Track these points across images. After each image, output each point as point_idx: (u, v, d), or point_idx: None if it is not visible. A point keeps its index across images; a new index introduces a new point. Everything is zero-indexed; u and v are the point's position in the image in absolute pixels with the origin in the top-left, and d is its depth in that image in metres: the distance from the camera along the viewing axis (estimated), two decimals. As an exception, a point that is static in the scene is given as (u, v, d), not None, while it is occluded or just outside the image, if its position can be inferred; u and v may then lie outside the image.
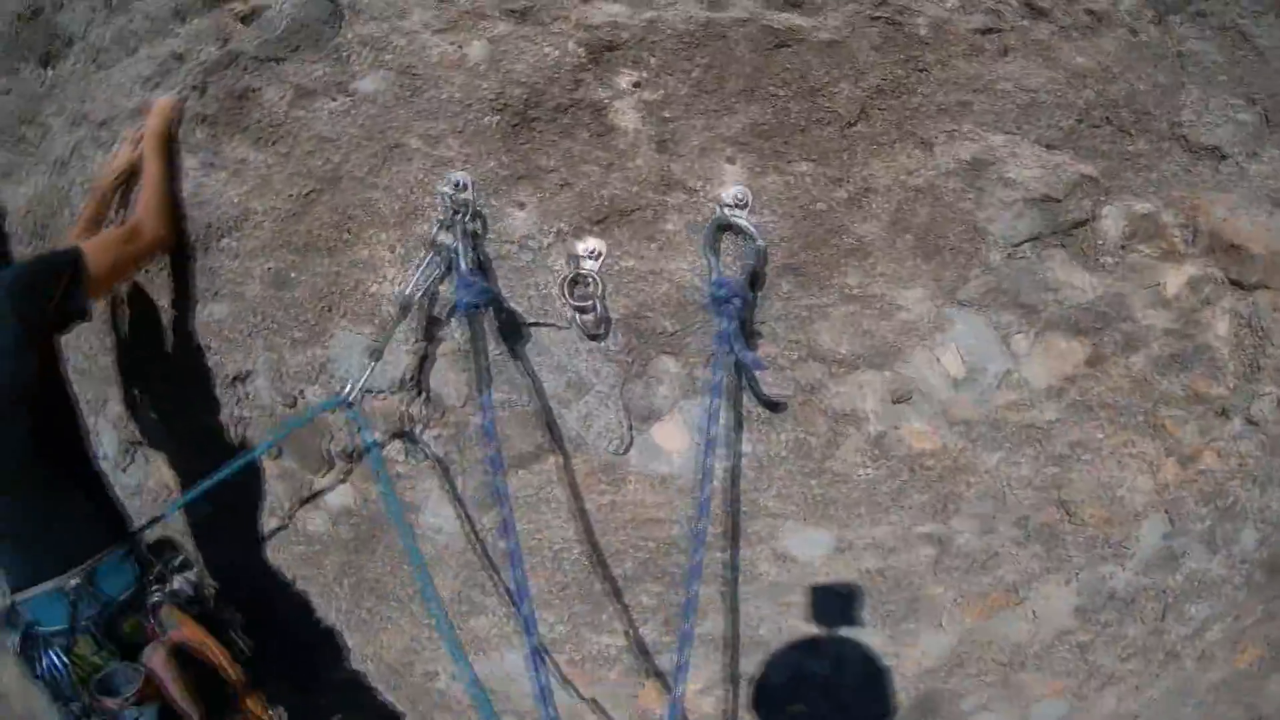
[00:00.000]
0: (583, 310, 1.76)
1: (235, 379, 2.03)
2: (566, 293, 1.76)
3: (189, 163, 2.03)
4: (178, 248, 2.06)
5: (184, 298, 2.04)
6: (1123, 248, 1.93)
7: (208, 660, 1.68)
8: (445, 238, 1.74)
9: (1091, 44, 1.91)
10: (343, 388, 1.80)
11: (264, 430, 2.00)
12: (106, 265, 1.88)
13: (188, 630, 1.67)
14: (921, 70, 1.89)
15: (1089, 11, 1.94)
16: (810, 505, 1.94)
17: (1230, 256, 1.87)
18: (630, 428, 1.84)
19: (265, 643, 2.08)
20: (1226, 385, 1.93)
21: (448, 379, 1.85)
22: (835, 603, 1.96)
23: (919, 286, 1.93)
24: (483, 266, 1.75)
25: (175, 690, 1.62)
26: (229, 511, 2.13)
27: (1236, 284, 1.89)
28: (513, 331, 1.79)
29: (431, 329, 1.82)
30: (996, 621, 2.11)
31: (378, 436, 1.85)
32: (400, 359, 1.84)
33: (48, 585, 1.61)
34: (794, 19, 1.87)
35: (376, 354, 1.74)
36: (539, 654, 1.61)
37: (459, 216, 1.73)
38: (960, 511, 2.05)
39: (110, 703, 1.59)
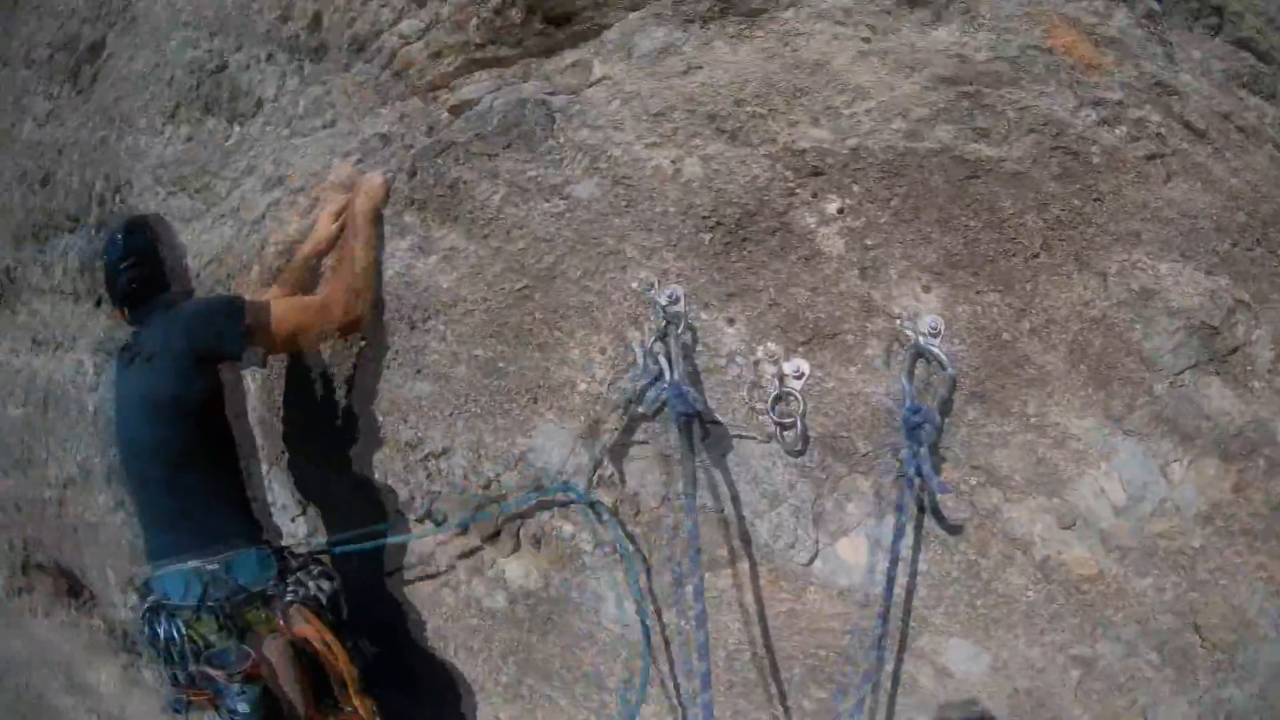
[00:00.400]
0: (785, 427, 1.80)
1: (430, 454, 2.07)
2: (771, 409, 1.80)
3: (399, 244, 2.09)
4: (367, 327, 2.10)
5: (381, 369, 2.10)
6: (1269, 371, 1.96)
7: (327, 659, 1.77)
8: (658, 347, 1.79)
9: (1243, 162, 1.95)
10: (542, 476, 1.87)
11: (452, 505, 2.05)
12: (289, 326, 2.00)
13: (312, 628, 1.77)
14: (1096, 200, 1.93)
15: (1239, 129, 2.00)
16: (974, 624, 1.97)
17: (1366, 375, 1.90)
18: (817, 541, 1.87)
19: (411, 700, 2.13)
20: (1353, 508, 1.95)
21: (646, 480, 1.90)
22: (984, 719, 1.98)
23: (1090, 416, 1.97)
24: (691, 377, 1.79)
25: (286, 679, 1.72)
26: (398, 575, 2.17)
27: (1373, 405, 1.92)
28: (717, 441, 1.84)
29: (635, 432, 1.87)
30: (1123, 743, 2.13)
31: (570, 528, 1.89)
32: (605, 457, 1.89)
33: (188, 564, 1.76)
34: (983, 149, 1.93)
35: (604, 451, 1.82)
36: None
37: (672, 327, 1.78)
38: (1107, 635, 2.07)
39: (216, 674, 1.70)
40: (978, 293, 1.90)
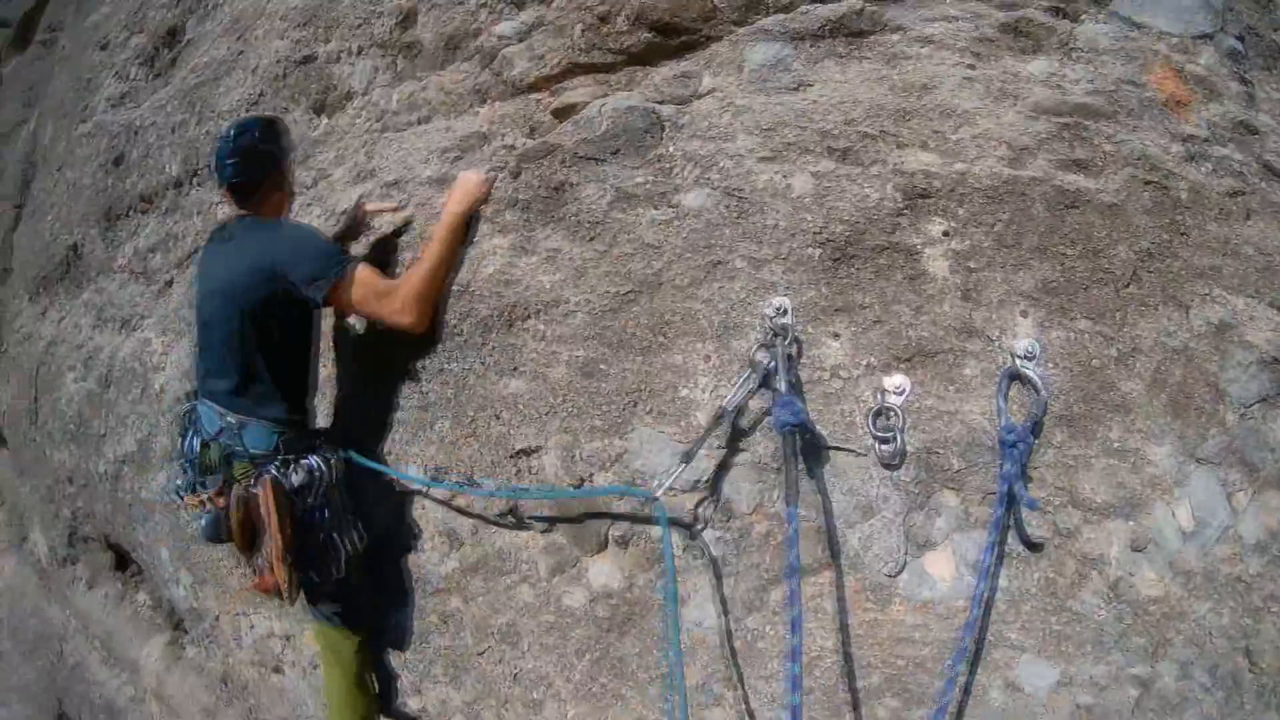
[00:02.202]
0: (884, 441, 1.74)
1: (522, 451, 1.99)
2: (870, 423, 1.75)
3: (499, 241, 2.00)
4: (423, 332, 2.06)
5: (476, 364, 2.01)
6: (1332, 404, 1.93)
7: (263, 522, 2.02)
8: (763, 357, 1.73)
9: (1314, 198, 1.92)
10: (638, 478, 1.80)
11: (541, 504, 1.98)
12: (356, 296, 2.04)
13: (263, 496, 2.01)
14: (1182, 234, 1.91)
15: (1313, 168, 1.97)
16: (1047, 640, 1.92)
17: None
18: (906, 553, 1.81)
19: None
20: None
21: (740, 487, 1.82)
22: (1049, 734, 1.93)
23: (1167, 443, 1.93)
24: (795, 388, 1.73)
25: (232, 519, 2.05)
26: (478, 570, 2.10)
27: None
28: (814, 452, 1.77)
29: (735, 439, 1.81)
30: (1168, 764, 2.08)
31: (658, 530, 1.82)
32: (699, 462, 1.82)
33: (216, 407, 2.12)
34: (1080, 180, 1.89)
35: (689, 456, 1.73)
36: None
37: (779, 339, 1.72)
38: (1167, 656, 2.04)
39: (200, 493, 2.15)
40: (1071, 319, 1.85)
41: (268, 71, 2.77)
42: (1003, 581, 1.88)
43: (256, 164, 2.15)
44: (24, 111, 5.88)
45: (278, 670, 2.83)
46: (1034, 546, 1.88)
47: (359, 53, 2.48)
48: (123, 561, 4.14)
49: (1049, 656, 1.95)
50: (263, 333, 2.08)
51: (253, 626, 3.00)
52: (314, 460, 2.08)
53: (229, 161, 2.13)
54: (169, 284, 3.21)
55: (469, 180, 2.05)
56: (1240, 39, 2.12)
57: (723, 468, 1.82)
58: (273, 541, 2.00)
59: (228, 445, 2.08)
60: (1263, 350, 1.91)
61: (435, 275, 2.02)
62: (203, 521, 2.17)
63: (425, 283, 2.01)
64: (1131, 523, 1.94)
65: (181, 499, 2.22)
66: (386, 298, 2.01)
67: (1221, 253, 1.89)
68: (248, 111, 2.82)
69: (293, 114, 2.64)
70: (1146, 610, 2.00)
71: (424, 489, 2.17)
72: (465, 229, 2.05)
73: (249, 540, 2.06)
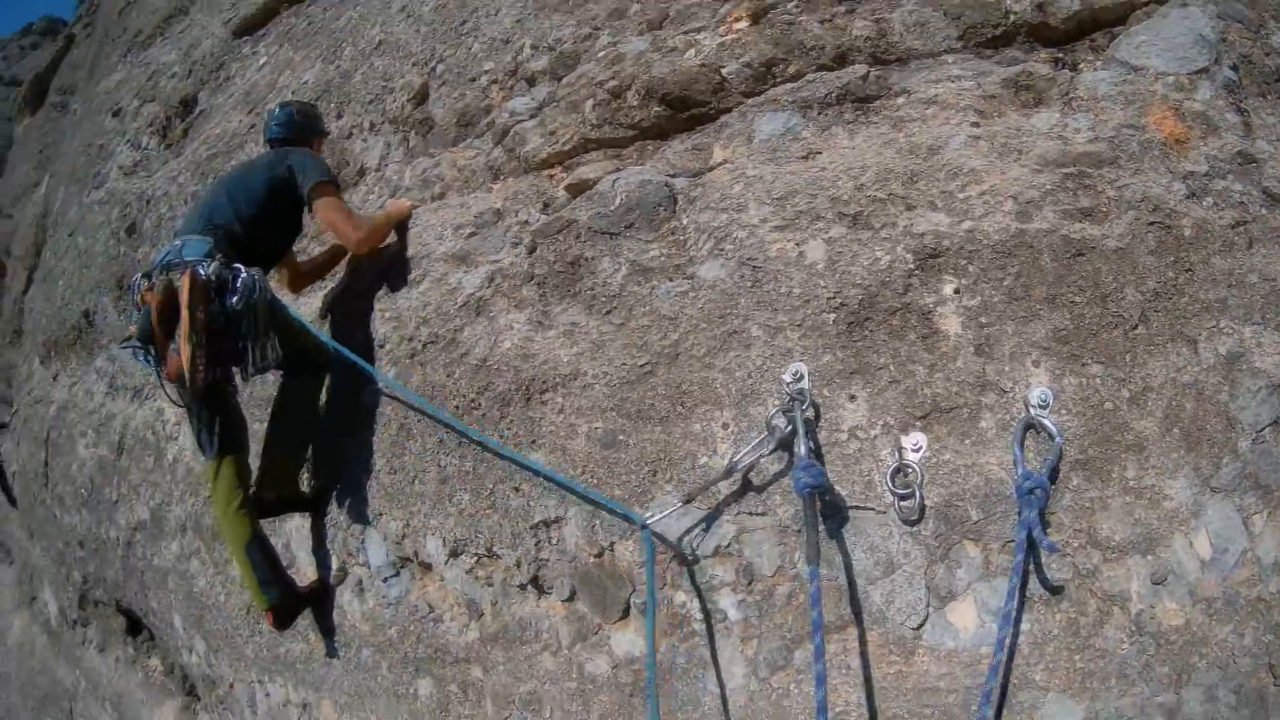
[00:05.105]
0: (903, 498, 1.82)
1: (542, 523, 2.06)
2: (890, 481, 1.84)
3: (516, 316, 2.10)
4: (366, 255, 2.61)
5: (495, 437, 2.10)
6: (1342, 419, 1.99)
7: (182, 304, 2.26)
8: (781, 422, 1.83)
9: (1318, 222, 1.95)
10: (657, 545, 1.88)
11: (562, 573, 2.05)
12: (331, 206, 2.52)
13: (183, 281, 2.26)
14: (1188, 270, 1.96)
15: (1314, 189, 2.03)
16: (1071, 678, 1.98)
17: None
18: (929, 605, 1.90)
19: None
20: None
21: (762, 550, 1.89)
22: (1078, 775, 2.00)
23: (1182, 476, 2.00)
24: (814, 451, 1.83)
25: (153, 312, 2.31)
26: (498, 640, 2.16)
27: None
28: (835, 513, 1.84)
29: (756, 503, 1.90)
30: (1198, 784, 2.14)
31: (681, 596, 1.91)
32: (723, 528, 1.90)
33: (173, 240, 2.49)
34: (1087, 229, 1.96)
35: (689, 498, 1.82)
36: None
37: (796, 404, 1.82)
38: (1191, 681, 2.09)
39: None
40: (1083, 365, 1.92)
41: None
42: (1025, 625, 1.95)
43: (296, 129, 2.68)
44: (35, 174, 6.04)
45: (297, 738, 2.92)
46: (1055, 589, 1.96)
47: (371, 129, 2.60)
48: (135, 626, 4.22)
49: (1074, 695, 2.01)
50: (258, 204, 2.52)
51: (268, 694, 3.07)
52: (243, 270, 2.36)
53: (275, 125, 2.67)
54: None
55: (404, 205, 2.64)
56: (1235, 68, 2.19)
57: (745, 533, 1.90)
58: (183, 322, 2.23)
59: (171, 261, 2.37)
60: (1271, 375, 1.95)
61: (385, 229, 2.64)
62: (135, 324, 2.42)
63: (380, 229, 2.63)
64: (1150, 557, 2.01)
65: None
66: (351, 220, 2.55)
67: (1227, 284, 1.96)
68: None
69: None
70: (1169, 640, 2.06)
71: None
72: (394, 221, 2.64)
73: (167, 329, 2.30)
